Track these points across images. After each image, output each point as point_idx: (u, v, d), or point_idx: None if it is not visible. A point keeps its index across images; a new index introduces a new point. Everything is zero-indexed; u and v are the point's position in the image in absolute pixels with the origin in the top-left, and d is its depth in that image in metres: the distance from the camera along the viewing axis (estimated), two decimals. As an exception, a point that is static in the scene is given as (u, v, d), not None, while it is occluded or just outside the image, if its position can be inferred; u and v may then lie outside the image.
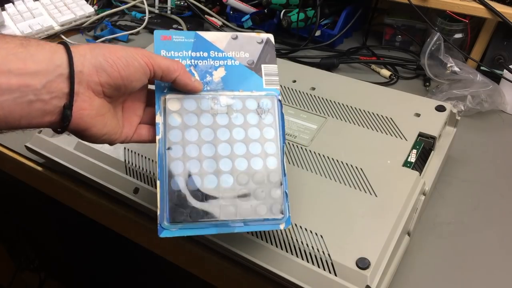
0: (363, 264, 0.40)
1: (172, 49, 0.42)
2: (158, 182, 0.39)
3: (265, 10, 0.91)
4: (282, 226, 0.40)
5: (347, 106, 0.57)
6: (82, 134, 0.37)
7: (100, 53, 0.36)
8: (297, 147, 0.52)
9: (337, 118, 0.56)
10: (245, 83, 0.43)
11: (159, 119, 0.40)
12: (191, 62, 0.43)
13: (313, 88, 0.60)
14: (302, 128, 0.55)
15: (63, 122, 0.35)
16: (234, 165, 0.40)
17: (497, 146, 0.64)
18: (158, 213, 0.38)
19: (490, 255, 0.49)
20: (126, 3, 0.99)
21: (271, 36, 0.45)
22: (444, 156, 0.54)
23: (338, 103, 0.58)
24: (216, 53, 0.43)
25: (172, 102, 0.41)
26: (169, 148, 0.40)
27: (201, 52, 0.43)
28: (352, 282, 0.40)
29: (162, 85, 0.41)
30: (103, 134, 0.38)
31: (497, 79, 0.71)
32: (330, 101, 0.58)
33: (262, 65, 0.44)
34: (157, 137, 0.40)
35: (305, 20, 0.85)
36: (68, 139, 0.59)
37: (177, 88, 0.41)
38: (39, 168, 0.62)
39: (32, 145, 0.59)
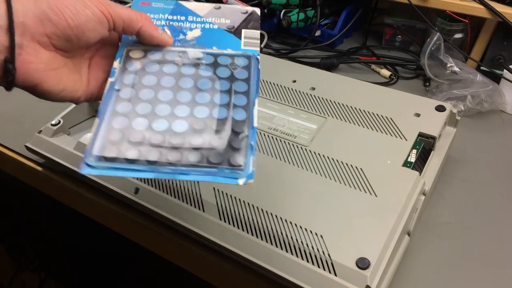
0: (363, 264, 0.40)
1: (148, 12, 0.41)
2: (96, 120, 0.36)
3: (265, 10, 0.91)
4: (241, 181, 0.34)
5: (347, 106, 0.57)
6: (34, 90, 0.35)
7: (45, 1, 0.33)
8: (297, 147, 0.52)
9: (337, 118, 0.56)
10: (221, 43, 0.41)
11: (116, 65, 0.38)
12: (165, 23, 0.41)
13: (313, 88, 0.60)
14: (302, 128, 0.55)
15: (6, 77, 0.33)
16: (193, 112, 0.37)
17: (497, 146, 0.64)
18: (86, 149, 0.34)
19: (490, 255, 0.49)
20: (126, 3, 0.99)
21: (257, 9, 0.43)
22: (444, 156, 0.54)
23: (338, 103, 0.58)
24: (194, 17, 0.42)
25: (135, 52, 0.39)
26: (118, 90, 0.37)
27: (179, 16, 0.42)
28: (352, 282, 0.40)
29: (129, 39, 0.39)
30: (60, 91, 0.35)
31: (497, 79, 0.71)
32: (330, 101, 0.58)
33: (243, 30, 0.42)
34: (109, 79, 0.38)
35: (305, 20, 0.85)
36: (68, 139, 0.59)
37: (143, 41, 0.38)
38: (39, 168, 0.62)
39: (32, 145, 0.59)
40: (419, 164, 0.53)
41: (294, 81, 0.62)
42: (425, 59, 0.71)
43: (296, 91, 0.60)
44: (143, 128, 0.36)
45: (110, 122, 0.36)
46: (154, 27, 0.38)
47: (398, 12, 0.87)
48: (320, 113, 0.57)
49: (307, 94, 0.60)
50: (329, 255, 0.41)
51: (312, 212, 0.45)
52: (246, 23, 0.42)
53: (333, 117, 0.56)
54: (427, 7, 0.75)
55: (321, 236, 0.43)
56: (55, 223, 1.00)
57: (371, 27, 0.90)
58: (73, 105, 0.62)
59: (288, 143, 0.53)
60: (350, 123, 0.55)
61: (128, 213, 0.55)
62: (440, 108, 0.55)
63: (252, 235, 0.45)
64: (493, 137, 0.66)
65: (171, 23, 0.41)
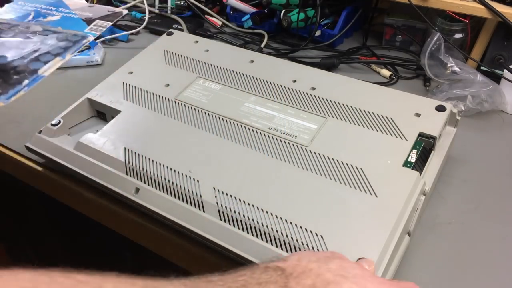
0: (363, 264, 0.40)
1: (29, 1, 0.48)
2: None
3: (265, 10, 0.91)
4: None
5: (347, 106, 0.57)
6: None
7: None
8: (297, 147, 0.52)
9: (337, 118, 0.56)
10: (70, 26, 0.46)
11: None
12: (35, 8, 0.47)
13: (313, 88, 0.60)
14: (302, 128, 0.55)
15: None
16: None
17: (497, 146, 0.64)
18: None
19: (490, 255, 0.49)
20: (126, 3, 0.99)
21: (124, 11, 0.50)
22: (444, 156, 0.54)
23: (338, 103, 0.58)
24: (64, 9, 0.48)
25: None
26: None
27: (51, 7, 0.48)
28: (352, 282, 0.40)
29: None
30: None
31: (497, 79, 0.71)
32: (330, 101, 0.58)
33: (97, 20, 0.48)
34: None
35: (305, 20, 0.85)
36: (68, 139, 0.59)
37: None
38: (39, 168, 0.62)
39: (32, 145, 0.59)
40: (419, 164, 0.53)
41: (294, 81, 0.62)
42: (425, 59, 0.71)
43: (296, 91, 0.60)
44: None
45: None
46: None
47: (398, 12, 0.87)
48: (320, 113, 0.57)
49: (307, 94, 0.60)
50: (329, 255, 0.41)
51: (313, 212, 0.45)
52: (106, 17, 0.49)
53: (333, 117, 0.56)
54: (427, 7, 0.75)
55: (321, 236, 0.43)
56: (55, 223, 1.00)
57: (371, 27, 0.90)
58: (73, 105, 0.62)
59: (288, 143, 0.53)
60: (350, 123, 0.55)
61: (128, 213, 0.55)
62: (440, 108, 0.55)
63: (253, 235, 0.45)
64: (493, 137, 0.66)
65: (40, 10, 0.47)
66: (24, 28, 0.49)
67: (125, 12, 0.53)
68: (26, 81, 0.47)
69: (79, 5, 0.54)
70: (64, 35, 0.49)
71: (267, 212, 0.45)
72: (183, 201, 0.49)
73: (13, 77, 0.49)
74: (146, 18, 0.94)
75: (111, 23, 0.51)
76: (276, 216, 0.45)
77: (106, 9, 0.53)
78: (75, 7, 0.53)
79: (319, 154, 0.51)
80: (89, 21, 0.50)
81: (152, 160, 0.52)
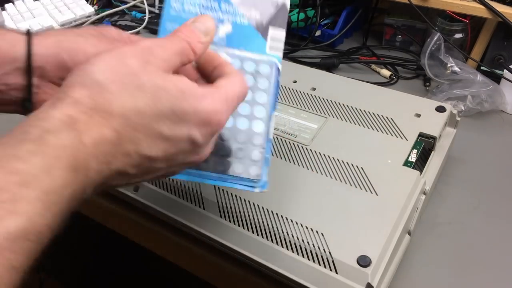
0: (364, 261, 0.40)
1: None
2: None
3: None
4: (257, 189, 0.39)
5: (348, 106, 0.57)
6: None
7: (66, 49, 0.34)
8: (298, 146, 0.52)
9: (337, 118, 0.56)
10: (248, 44, 0.41)
11: None
12: (199, 10, 0.41)
13: (314, 89, 0.61)
14: (303, 127, 0.55)
15: (25, 113, 0.35)
16: None
17: (497, 146, 0.64)
18: None
19: (490, 255, 0.49)
20: (126, 3, 0.99)
21: (287, 2, 0.43)
22: (444, 156, 0.55)
23: (339, 103, 0.58)
24: (227, 6, 0.41)
25: None
26: None
27: (211, 2, 0.41)
28: (353, 279, 0.40)
29: (167, 28, 0.40)
30: None
31: (497, 79, 0.71)
32: (331, 101, 0.58)
33: (270, 28, 0.41)
34: None
35: (305, 20, 0.85)
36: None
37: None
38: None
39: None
40: (420, 164, 0.53)
41: (295, 82, 0.62)
42: (425, 59, 0.71)
43: (296, 91, 0.60)
44: None
45: None
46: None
47: (398, 12, 0.87)
48: (321, 113, 0.57)
49: (307, 94, 0.60)
50: (330, 253, 0.41)
51: (313, 210, 0.45)
52: (275, 18, 0.42)
53: (333, 117, 0.56)
54: (427, 7, 0.75)
55: (322, 234, 0.43)
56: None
57: (371, 27, 0.90)
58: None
59: (289, 142, 0.53)
60: (350, 123, 0.55)
61: (128, 212, 0.55)
62: (440, 109, 0.55)
63: (253, 233, 0.45)
64: (493, 137, 0.66)
65: (205, 11, 0.41)
66: None
67: (288, 3, 0.42)
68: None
69: None
70: (253, 66, 0.40)
71: (268, 210, 0.45)
72: (183, 199, 0.49)
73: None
74: (146, 18, 0.94)
75: (284, 32, 0.42)
76: (277, 214, 0.45)
77: (269, 1, 0.42)
78: None
79: (320, 153, 0.51)
80: (261, 30, 0.41)
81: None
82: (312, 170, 0.49)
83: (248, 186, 0.39)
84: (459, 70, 0.69)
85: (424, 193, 0.49)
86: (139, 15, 0.98)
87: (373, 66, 0.82)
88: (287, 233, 0.43)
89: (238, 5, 0.41)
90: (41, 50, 0.34)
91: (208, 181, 0.39)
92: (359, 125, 0.54)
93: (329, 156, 0.50)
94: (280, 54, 0.41)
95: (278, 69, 0.41)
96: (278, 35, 0.42)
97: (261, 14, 0.42)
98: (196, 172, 0.38)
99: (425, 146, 0.53)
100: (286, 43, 0.81)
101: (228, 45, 0.41)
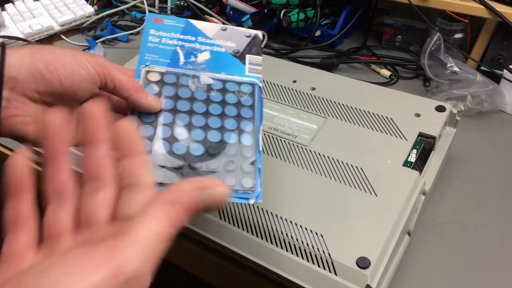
0: (363, 263, 0.40)
1: (161, 30, 0.45)
2: None
3: (265, 10, 0.91)
4: (252, 201, 0.39)
5: (347, 106, 0.57)
6: (21, 140, 0.34)
7: (42, 59, 0.33)
8: (297, 146, 0.52)
9: (337, 118, 0.56)
10: (228, 68, 0.44)
11: None
12: (178, 43, 0.44)
13: (313, 88, 0.60)
14: (303, 128, 0.55)
15: None
16: (207, 136, 0.40)
17: (497, 146, 0.64)
18: None
19: (490, 255, 0.49)
20: (126, 3, 0.99)
21: (259, 33, 0.46)
22: (444, 156, 0.54)
23: (338, 103, 0.58)
24: (204, 39, 0.45)
25: (153, 74, 0.42)
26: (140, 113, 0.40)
27: (189, 36, 0.45)
28: (352, 281, 0.40)
29: (145, 58, 0.43)
30: None
31: (497, 79, 0.71)
32: (330, 101, 0.58)
33: (247, 55, 0.45)
34: None
35: (305, 20, 0.85)
36: (68, 139, 0.59)
37: (131, 105, 0.39)
38: (39, 168, 0.62)
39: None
40: (419, 164, 0.53)
41: (294, 81, 0.62)
42: (425, 59, 0.71)
43: (296, 91, 0.60)
44: (165, 151, 0.38)
45: None
46: (144, 94, 0.39)
47: (398, 12, 0.87)
48: (320, 113, 0.57)
49: (307, 94, 0.60)
50: (329, 254, 0.41)
51: (313, 211, 0.45)
52: (250, 47, 0.45)
53: (333, 117, 0.56)
54: (427, 7, 0.75)
55: (321, 236, 0.43)
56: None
57: (371, 27, 0.90)
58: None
59: (289, 143, 0.53)
60: (350, 123, 0.55)
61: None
62: (440, 109, 0.55)
63: (252, 234, 0.45)
64: (493, 137, 0.66)
65: (182, 43, 0.44)
66: (193, 82, 0.42)
67: (260, 34, 0.46)
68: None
69: (211, 29, 0.45)
70: (235, 87, 0.43)
71: (267, 211, 0.45)
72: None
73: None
74: (146, 18, 0.94)
75: (261, 57, 0.45)
76: (277, 215, 0.45)
77: (242, 33, 0.46)
78: (211, 32, 0.45)
79: (319, 154, 0.51)
80: (238, 56, 0.44)
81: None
82: (312, 171, 0.49)
83: (242, 198, 0.39)
84: (459, 70, 0.69)
85: (424, 194, 0.49)
86: (139, 15, 0.98)
87: (373, 66, 0.82)
88: (286, 234, 0.43)
89: (214, 38, 0.45)
90: (15, 60, 0.32)
91: None
92: (359, 125, 0.54)
93: (328, 157, 0.50)
94: (260, 76, 0.44)
95: (260, 88, 0.43)
96: (255, 59, 0.45)
97: (236, 44, 0.45)
98: None
99: (425, 146, 0.53)
100: (286, 43, 0.82)
101: (208, 70, 0.43)
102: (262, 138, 0.41)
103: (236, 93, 0.43)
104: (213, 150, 0.39)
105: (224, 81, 0.43)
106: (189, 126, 0.40)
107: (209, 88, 0.42)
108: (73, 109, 0.37)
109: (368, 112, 0.56)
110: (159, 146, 0.38)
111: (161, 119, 0.40)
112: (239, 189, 0.38)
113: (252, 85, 0.43)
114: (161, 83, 0.42)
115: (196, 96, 0.42)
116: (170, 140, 0.39)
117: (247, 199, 0.39)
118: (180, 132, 0.40)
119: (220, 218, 0.46)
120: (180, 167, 0.38)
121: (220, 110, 0.41)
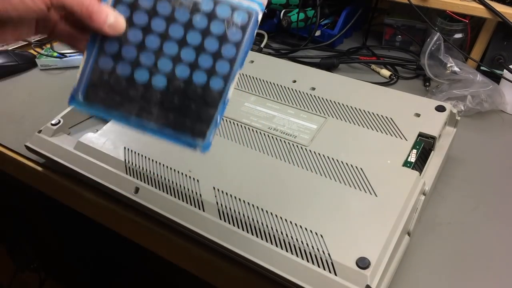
0: (363, 263, 0.40)
1: None
2: (85, 53, 0.35)
3: (265, 10, 0.91)
4: (198, 150, 0.36)
5: (347, 106, 0.57)
6: None
7: None
8: (297, 147, 0.52)
9: (337, 118, 0.56)
10: None
11: None
12: None
13: (313, 88, 0.60)
14: (302, 128, 0.55)
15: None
16: (174, 69, 0.35)
17: (497, 146, 0.64)
18: (75, 84, 0.35)
19: (490, 255, 0.49)
20: None
21: None
22: (444, 156, 0.54)
23: (338, 103, 0.58)
24: None
25: None
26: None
27: None
28: (352, 281, 0.40)
29: None
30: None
31: (497, 79, 0.71)
32: (330, 101, 0.58)
33: None
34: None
35: (305, 20, 0.85)
36: (68, 138, 0.59)
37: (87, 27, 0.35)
38: (39, 168, 0.62)
39: (32, 145, 0.59)
40: (419, 164, 0.53)
41: (294, 81, 0.62)
42: (425, 59, 0.71)
43: (296, 91, 0.60)
44: (126, 75, 0.35)
45: (97, 60, 0.35)
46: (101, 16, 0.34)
47: (398, 12, 0.87)
48: (320, 113, 0.57)
49: (307, 94, 0.60)
50: (329, 254, 0.41)
51: (312, 211, 0.45)
52: None
53: (333, 117, 0.56)
54: (427, 7, 0.75)
55: (321, 236, 0.43)
56: (55, 223, 1.00)
57: (371, 27, 0.90)
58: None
59: (288, 143, 0.53)
60: (350, 123, 0.55)
61: (128, 213, 0.55)
62: (440, 108, 0.55)
63: (252, 234, 0.45)
64: (493, 137, 0.66)
65: None
66: None
67: None
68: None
69: None
70: (228, 12, 0.34)
71: (267, 211, 0.45)
72: (183, 201, 0.49)
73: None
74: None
75: None
76: (276, 216, 0.45)
77: None
78: None
79: (319, 154, 0.51)
80: None
81: (152, 160, 0.52)
82: (311, 171, 0.49)
83: (189, 144, 0.36)
84: (459, 70, 0.69)
85: (424, 194, 0.49)
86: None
87: (373, 66, 0.82)
88: (286, 234, 0.43)
89: None
90: None
91: (148, 131, 0.36)
92: (359, 125, 0.54)
93: (328, 157, 0.50)
94: (264, 2, 0.36)
95: (257, 20, 0.35)
96: None
97: None
98: (137, 119, 0.36)
99: (425, 146, 0.53)
100: (286, 43, 0.81)
101: None
102: (261, 136, 0.38)
103: (225, 22, 0.35)
104: (176, 87, 0.35)
105: (216, 2, 0.35)
106: (157, 52, 0.35)
107: (195, 7, 0.35)
108: (21, 35, 0.35)
109: (368, 112, 0.56)
110: (121, 68, 0.35)
111: (130, 35, 0.35)
112: (189, 134, 0.35)
113: (249, 13, 0.35)
114: None
115: (176, 15, 0.35)
116: (134, 63, 0.35)
117: (195, 146, 0.36)
118: (147, 57, 0.35)
119: (220, 219, 0.46)
120: (136, 97, 0.35)
121: (199, 41, 0.35)
